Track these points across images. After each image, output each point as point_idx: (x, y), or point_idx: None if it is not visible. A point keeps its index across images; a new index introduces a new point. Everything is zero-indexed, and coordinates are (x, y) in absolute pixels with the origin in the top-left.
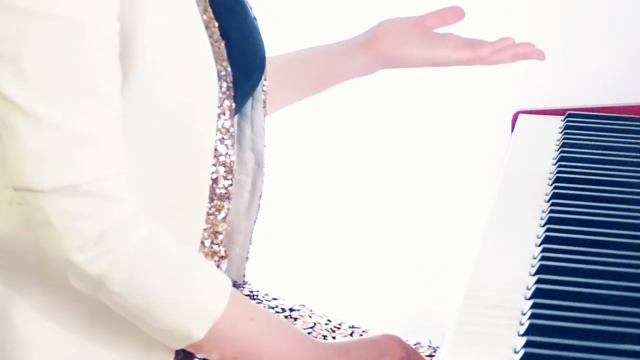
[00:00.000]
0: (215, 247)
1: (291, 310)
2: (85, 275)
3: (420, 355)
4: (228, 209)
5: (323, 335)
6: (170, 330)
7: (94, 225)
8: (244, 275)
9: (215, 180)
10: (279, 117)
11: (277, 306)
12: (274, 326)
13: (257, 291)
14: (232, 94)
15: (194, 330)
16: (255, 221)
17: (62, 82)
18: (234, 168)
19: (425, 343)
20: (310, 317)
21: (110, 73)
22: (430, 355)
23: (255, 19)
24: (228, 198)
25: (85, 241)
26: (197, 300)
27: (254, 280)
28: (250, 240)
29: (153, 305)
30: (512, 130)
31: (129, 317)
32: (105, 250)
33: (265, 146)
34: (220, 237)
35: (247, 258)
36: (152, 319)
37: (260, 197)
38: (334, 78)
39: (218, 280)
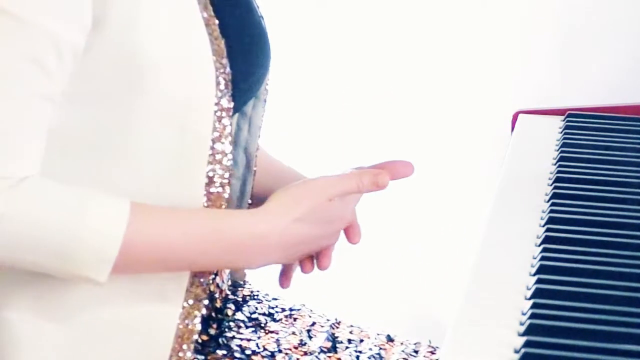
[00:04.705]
0: None
1: (291, 310)
2: None
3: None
4: (225, 208)
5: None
6: (74, 278)
7: None
8: (244, 275)
9: (210, 179)
10: (277, 116)
11: (277, 306)
12: (198, 235)
13: (257, 291)
14: (231, 92)
15: (93, 276)
16: None
17: None
18: (231, 167)
19: (425, 343)
20: (310, 316)
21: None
22: (430, 355)
23: (262, 17)
24: (225, 198)
25: None
26: (88, 247)
27: (254, 280)
28: None
29: (44, 257)
30: (512, 130)
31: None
32: None
33: (257, 148)
34: None
35: None
36: (51, 271)
37: (249, 202)
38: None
39: (109, 215)
